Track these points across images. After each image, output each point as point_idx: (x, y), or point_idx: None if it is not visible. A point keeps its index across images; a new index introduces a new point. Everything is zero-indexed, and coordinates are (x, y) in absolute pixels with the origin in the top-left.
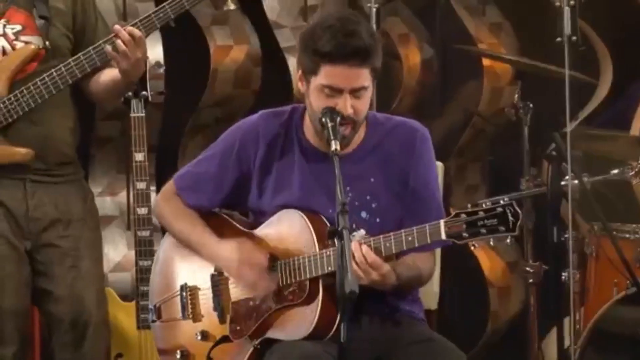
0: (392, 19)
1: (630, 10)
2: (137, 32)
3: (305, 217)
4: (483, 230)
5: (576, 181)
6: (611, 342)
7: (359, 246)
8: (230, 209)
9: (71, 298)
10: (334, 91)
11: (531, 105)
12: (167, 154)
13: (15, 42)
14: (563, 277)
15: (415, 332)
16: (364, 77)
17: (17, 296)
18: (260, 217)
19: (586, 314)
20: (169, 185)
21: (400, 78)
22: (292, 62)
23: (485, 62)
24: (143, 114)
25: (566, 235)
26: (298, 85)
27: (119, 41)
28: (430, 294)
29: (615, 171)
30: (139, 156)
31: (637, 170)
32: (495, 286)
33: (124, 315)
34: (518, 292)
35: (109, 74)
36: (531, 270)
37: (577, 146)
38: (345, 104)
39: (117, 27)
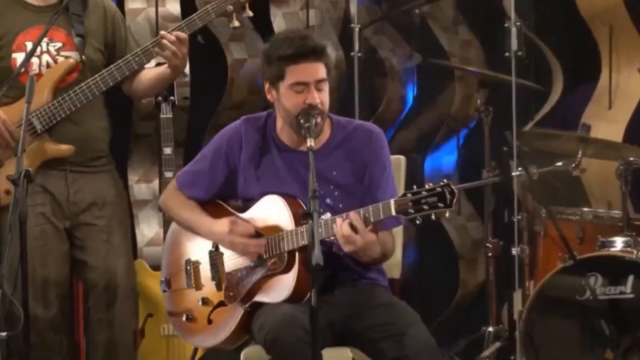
0: (379, 36)
1: (577, 27)
2: (182, 34)
3: (283, 200)
4: (425, 207)
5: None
6: (552, 305)
7: (342, 221)
8: (223, 199)
9: (104, 267)
10: (302, 86)
11: (491, 109)
12: (192, 149)
13: (57, 57)
14: (513, 252)
15: (378, 297)
16: (322, 70)
17: (58, 267)
18: (248, 202)
19: (535, 283)
20: (172, 183)
21: (384, 88)
22: None
23: (457, 72)
24: (171, 116)
25: (518, 217)
26: (267, 96)
27: (165, 41)
28: (393, 266)
29: (560, 164)
30: (168, 150)
31: (577, 163)
32: (465, 258)
33: (153, 282)
34: (483, 264)
35: (153, 72)
36: (490, 246)
37: (530, 143)
38: (314, 95)
39: (163, 32)
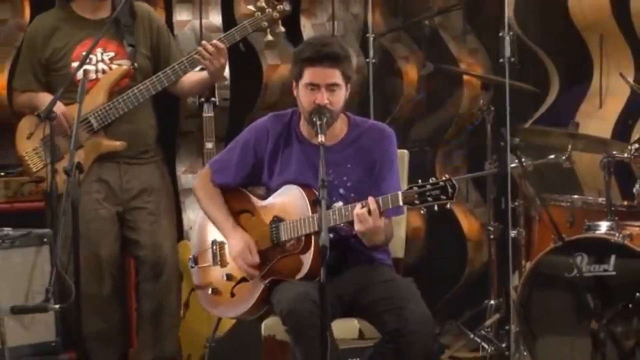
0: (395, 44)
1: (571, 36)
2: (220, 44)
3: (301, 189)
4: (429, 198)
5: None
6: (544, 281)
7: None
8: (249, 186)
9: (152, 246)
10: (314, 87)
11: (492, 108)
12: None
13: (111, 65)
14: (512, 234)
15: (382, 274)
16: (336, 76)
17: (110, 246)
18: (270, 190)
19: (530, 262)
20: (205, 168)
21: (401, 89)
22: None
23: (465, 77)
24: (212, 114)
25: (516, 203)
26: (294, 92)
27: (201, 49)
28: (398, 247)
29: (552, 157)
30: (209, 145)
31: (567, 156)
32: (471, 240)
33: None
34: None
35: (195, 76)
36: (492, 229)
37: (527, 138)
38: (322, 96)
39: (203, 42)
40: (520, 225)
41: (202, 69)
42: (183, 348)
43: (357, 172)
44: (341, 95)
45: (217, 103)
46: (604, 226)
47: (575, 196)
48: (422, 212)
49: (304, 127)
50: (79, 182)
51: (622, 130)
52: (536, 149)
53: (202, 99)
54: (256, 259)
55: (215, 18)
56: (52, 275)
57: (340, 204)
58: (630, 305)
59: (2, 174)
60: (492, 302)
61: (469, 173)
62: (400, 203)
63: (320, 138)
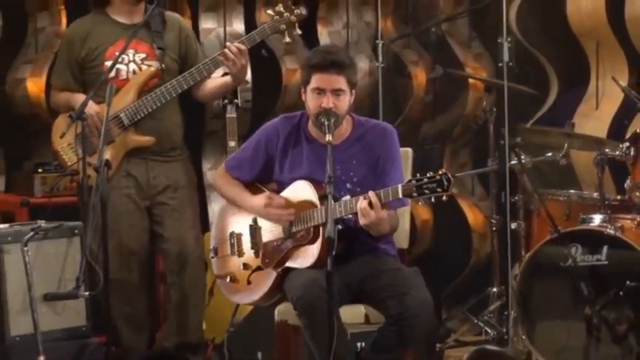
0: (406, 50)
1: (570, 42)
2: (242, 46)
3: (310, 185)
4: (427, 191)
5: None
6: (541, 270)
7: (363, 199)
8: (262, 182)
9: (176, 239)
10: (321, 91)
11: (494, 109)
12: None
13: (141, 65)
14: (512, 226)
15: (387, 263)
16: (340, 82)
17: (139, 239)
18: (281, 186)
19: (529, 252)
20: (221, 166)
21: (411, 91)
22: None
23: (470, 80)
24: (235, 115)
25: (516, 198)
26: (302, 96)
27: (226, 50)
28: (402, 238)
29: (549, 154)
30: (232, 143)
31: (563, 153)
32: (476, 232)
33: None
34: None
35: (217, 81)
36: (494, 222)
37: (527, 137)
38: (328, 100)
39: (228, 44)
40: (520, 218)
41: (224, 74)
42: (208, 332)
43: (362, 168)
44: (346, 100)
45: (240, 105)
46: (597, 219)
47: (572, 191)
48: (419, 203)
49: (312, 128)
50: (108, 178)
51: (617, 130)
52: (536, 147)
53: (226, 101)
54: (281, 200)
55: (238, 26)
56: (82, 264)
57: (347, 197)
58: (621, 293)
59: (40, 170)
60: (494, 289)
61: (473, 169)
62: (400, 195)
63: (328, 137)
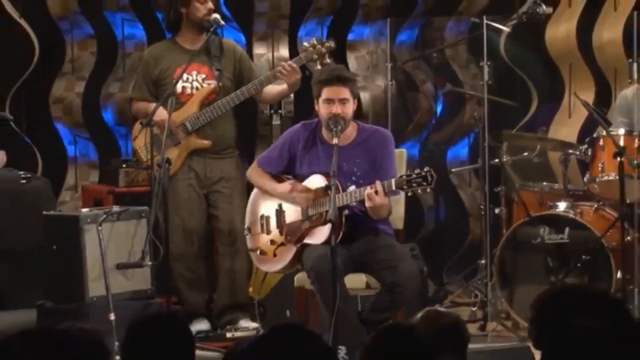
0: (416, 71)
1: (547, 64)
2: (293, 64)
3: (324, 178)
4: (414, 184)
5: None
6: (516, 246)
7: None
8: (286, 175)
9: (227, 221)
10: (330, 101)
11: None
12: None
13: (202, 84)
14: (496, 211)
15: (383, 240)
16: (345, 93)
17: (199, 219)
18: (301, 178)
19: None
20: (255, 162)
21: (419, 104)
22: (363, 96)
23: (467, 95)
24: (279, 123)
25: (499, 189)
26: (316, 107)
27: (281, 69)
28: (397, 220)
29: (525, 154)
30: None
31: (536, 153)
32: (472, 216)
33: None
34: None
35: (275, 89)
36: (482, 207)
37: (510, 141)
38: (337, 108)
39: (282, 62)
40: (502, 205)
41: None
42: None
43: (364, 164)
44: (350, 107)
45: (283, 114)
46: (562, 206)
47: (544, 183)
48: (409, 194)
49: (324, 132)
50: (170, 173)
51: (586, 135)
52: (516, 148)
53: (272, 111)
54: (302, 187)
55: (283, 51)
56: (147, 241)
57: (353, 187)
58: (579, 265)
59: (124, 165)
60: (483, 261)
61: (468, 165)
62: (393, 187)
63: (335, 140)
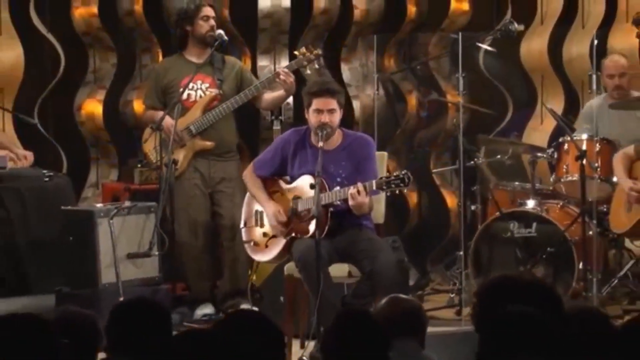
0: (404, 82)
1: (521, 75)
2: (286, 70)
3: (312, 179)
4: (393, 185)
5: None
6: (489, 239)
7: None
8: (278, 175)
9: (230, 216)
10: (320, 111)
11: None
12: None
13: (206, 91)
14: (472, 208)
15: (365, 234)
16: (333, 103)
17: (203, 215)
18: (292, 179)
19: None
20: (250, 165)
21: (405, 113)
22: (355, 104)
23: (449, 103)
24: (279, 128)
25: (475, 188)
26: (306, 115)
27: (282, 76)
28: (379, 215)
29: (498, 157)
30: None
31: (508, 156)
32: (453, 211)
33: None
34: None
35: (272, 95)
36: (460, 204)
37: (486, 145)
38: (325, 117)
39: (278, 69)
40: (478, 202)
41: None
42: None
43: (348, 167)
44: (337, 116)
45: (283, 120)
46: (530, 203)
47: (516, 183)
48: (387, 194)
49: (313, 138)
50: (177, 173)
51: (555, 140)
52: (490, 151)
53: (273, 117)
54: (284, 218)
55: (285, 63)
56: (154, 233)
57: (337, 188)
58: (544, 256)
59: (139, 165)
60: (460, 253)
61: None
62: (374, 187)
63: (321, 144)
